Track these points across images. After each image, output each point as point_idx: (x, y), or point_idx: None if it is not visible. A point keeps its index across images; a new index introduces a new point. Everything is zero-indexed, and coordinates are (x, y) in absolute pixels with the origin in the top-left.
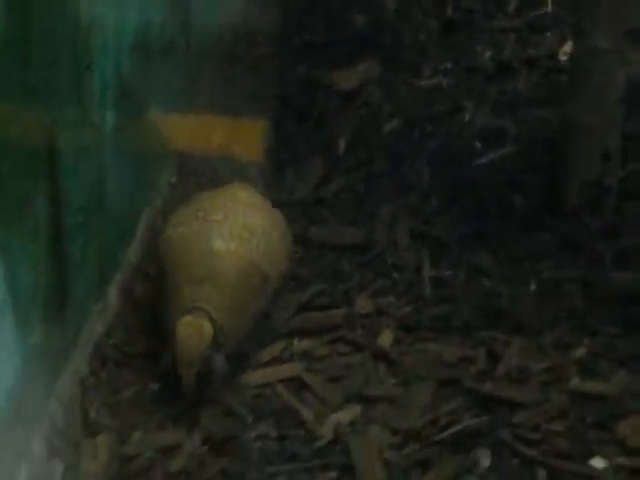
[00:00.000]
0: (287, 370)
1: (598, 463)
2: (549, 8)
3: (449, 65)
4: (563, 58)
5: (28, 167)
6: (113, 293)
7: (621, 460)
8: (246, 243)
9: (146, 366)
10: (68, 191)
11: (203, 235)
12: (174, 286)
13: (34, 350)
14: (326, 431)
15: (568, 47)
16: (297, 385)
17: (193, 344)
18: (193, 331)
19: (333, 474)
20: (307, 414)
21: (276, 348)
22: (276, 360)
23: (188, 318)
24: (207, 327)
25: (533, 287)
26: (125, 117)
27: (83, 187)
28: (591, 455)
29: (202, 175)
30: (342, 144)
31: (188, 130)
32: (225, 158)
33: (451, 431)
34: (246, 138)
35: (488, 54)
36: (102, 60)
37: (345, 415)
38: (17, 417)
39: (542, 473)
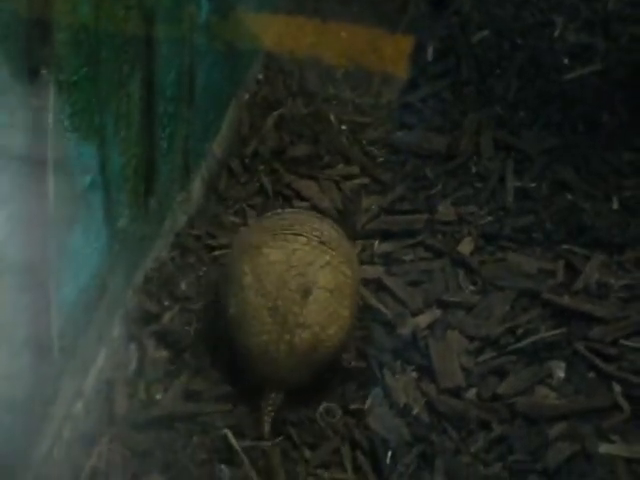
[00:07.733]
0: (368, 271)
1: None
2: None
3: None
4: None
5: (126, 53)
6: (197, 185)
7: None
8: None
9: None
10: (161, 80)
11: None
12: None
13: (120, 234)
14: (405, 332)
15: None
16: (376, 287)
17: None
18: None
19: (414, 374)
20: (387, 314)
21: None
22: None
23: None
24: None
25: (616, 204)
26: (218, 11)
27: (176, 77)
28: None
29: (289, 74)
30: (430, 51)
31: (277, 30)
32: (312, 59)
33: (527, 341)
34: (334, 41)
35: None
36: None
37: (424, 319)
38: (100, 299)
39: (617, 388)
